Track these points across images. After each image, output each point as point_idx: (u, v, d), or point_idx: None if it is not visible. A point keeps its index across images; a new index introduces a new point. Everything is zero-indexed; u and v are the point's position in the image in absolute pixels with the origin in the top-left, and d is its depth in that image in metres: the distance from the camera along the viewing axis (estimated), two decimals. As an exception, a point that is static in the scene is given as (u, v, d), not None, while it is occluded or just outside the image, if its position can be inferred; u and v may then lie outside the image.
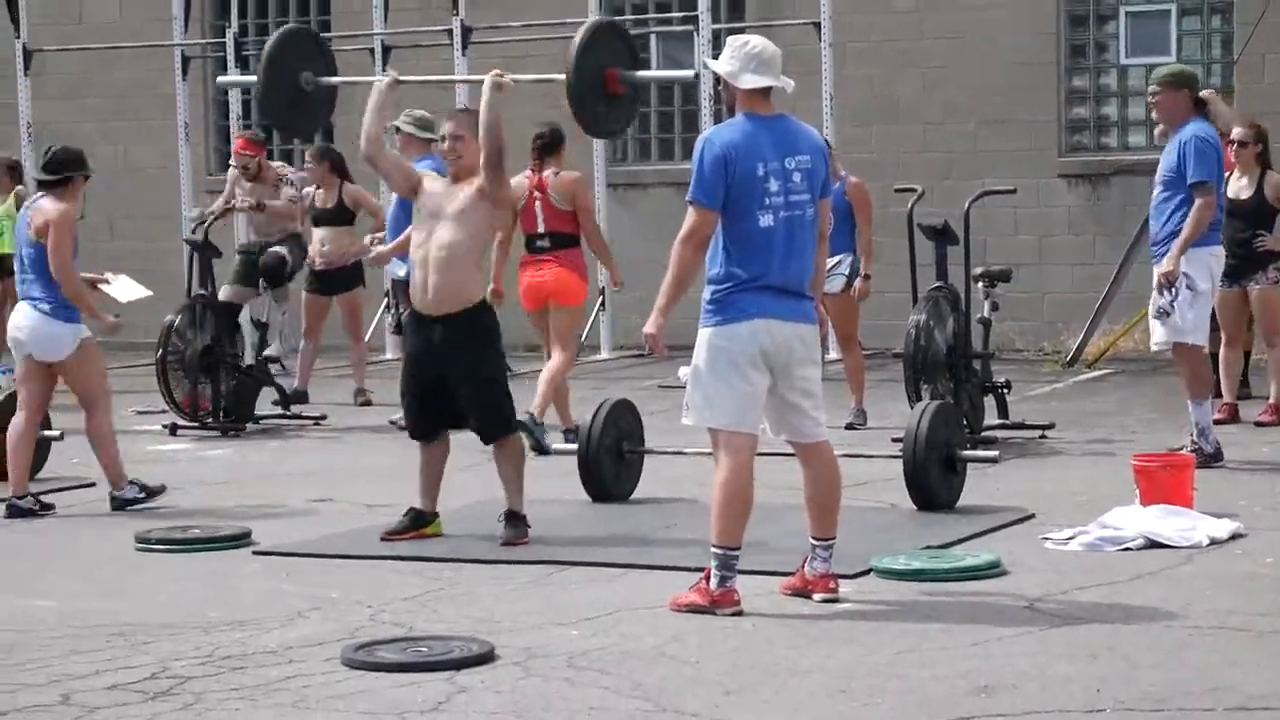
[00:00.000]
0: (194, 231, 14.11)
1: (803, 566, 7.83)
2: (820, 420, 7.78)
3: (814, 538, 7.78)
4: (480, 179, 9.11)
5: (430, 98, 17.82)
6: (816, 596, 7.71)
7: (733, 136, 7.59)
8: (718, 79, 7.85)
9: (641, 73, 9.48)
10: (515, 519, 9.19)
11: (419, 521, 9.32)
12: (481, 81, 9.16)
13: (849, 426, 12.70)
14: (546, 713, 6.27)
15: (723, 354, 7.55)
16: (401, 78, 9.50)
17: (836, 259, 12.55)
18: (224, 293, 14.20)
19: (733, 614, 7.51)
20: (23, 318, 10.36)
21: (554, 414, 12.18)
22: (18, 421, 10.49)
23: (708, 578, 7.62)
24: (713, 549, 7.62)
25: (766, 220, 7.53)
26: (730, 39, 7.83)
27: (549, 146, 12.20)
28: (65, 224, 10.24)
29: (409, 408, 9.42)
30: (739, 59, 7.65)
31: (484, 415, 9.20)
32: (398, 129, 12.52)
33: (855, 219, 12.81)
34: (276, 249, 14.30)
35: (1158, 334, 10.97)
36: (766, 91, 7.67)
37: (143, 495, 10.45)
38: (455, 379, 9.15)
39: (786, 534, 8.50)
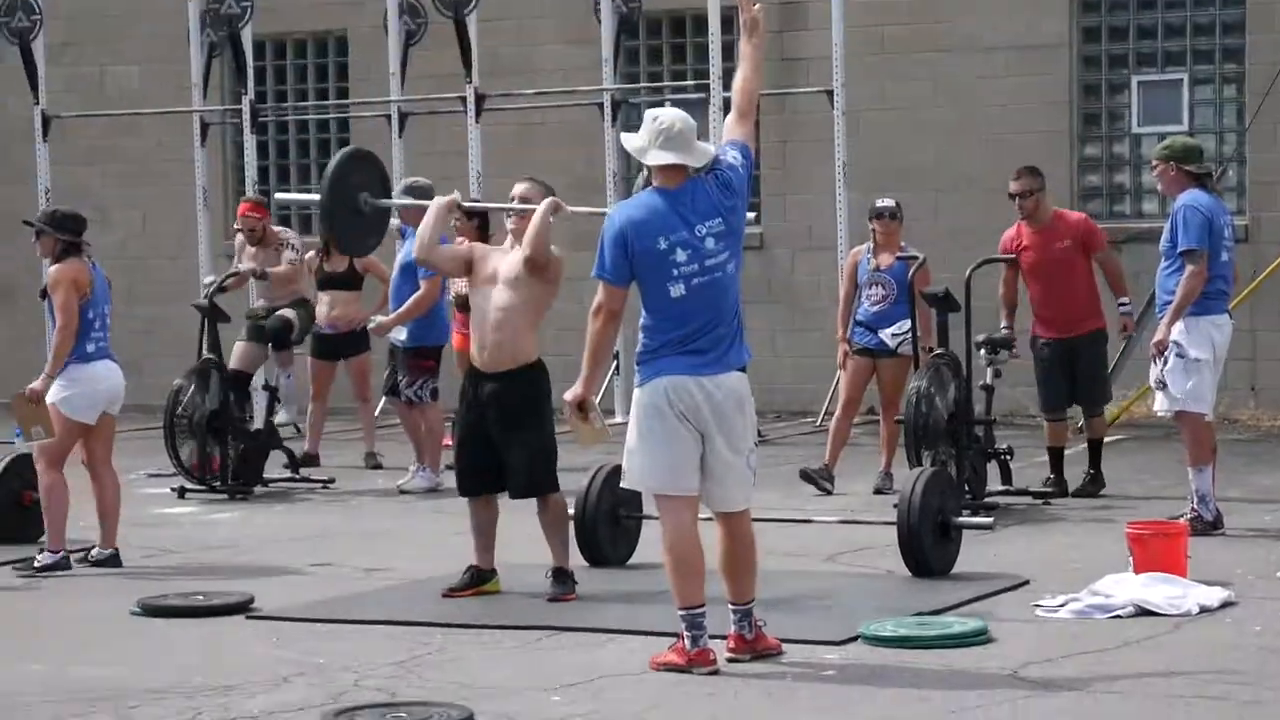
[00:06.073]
0: (205, 297, 14.21)
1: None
2: (742, 487, 7.72)
3: (730, 602, 7.79)
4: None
5: (445, 166, 17.94)
6: (725, 655, 7.72)
7: (633, 213, 7.68)
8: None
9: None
10: (562, 575, 9.38)
11: (479, 579, 9.49)
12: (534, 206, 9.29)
13: (877, 491, 12.62)
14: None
15: (648, 414, 7.62)
16: (461, 202, 9.76)
17: (905, 326, 12.53)
18: (234, 355, 14.30)
19: (709, 673, 7.54)
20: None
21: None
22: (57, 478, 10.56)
23: (684, 637, 7.66)
24: (677, 612, 7.66)
25: (678, 290, 7.59)
26: (647, 113, 7.84)
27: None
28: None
29: (460, 464, 9.56)
30: (648, 134, 7.70)
31: (529, 472, 9.32)
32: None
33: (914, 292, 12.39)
34: (283, 313, 14.41)
35: (1159, 402, 11.01)
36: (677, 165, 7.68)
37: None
38: (504, 435, 9.29)
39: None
